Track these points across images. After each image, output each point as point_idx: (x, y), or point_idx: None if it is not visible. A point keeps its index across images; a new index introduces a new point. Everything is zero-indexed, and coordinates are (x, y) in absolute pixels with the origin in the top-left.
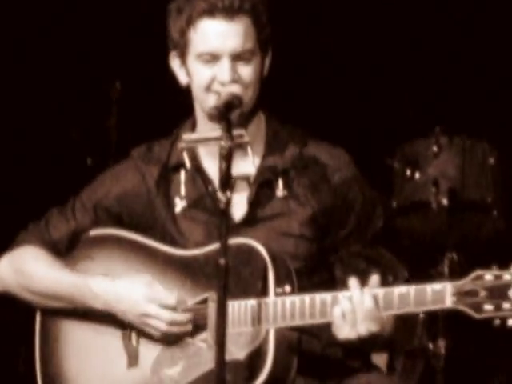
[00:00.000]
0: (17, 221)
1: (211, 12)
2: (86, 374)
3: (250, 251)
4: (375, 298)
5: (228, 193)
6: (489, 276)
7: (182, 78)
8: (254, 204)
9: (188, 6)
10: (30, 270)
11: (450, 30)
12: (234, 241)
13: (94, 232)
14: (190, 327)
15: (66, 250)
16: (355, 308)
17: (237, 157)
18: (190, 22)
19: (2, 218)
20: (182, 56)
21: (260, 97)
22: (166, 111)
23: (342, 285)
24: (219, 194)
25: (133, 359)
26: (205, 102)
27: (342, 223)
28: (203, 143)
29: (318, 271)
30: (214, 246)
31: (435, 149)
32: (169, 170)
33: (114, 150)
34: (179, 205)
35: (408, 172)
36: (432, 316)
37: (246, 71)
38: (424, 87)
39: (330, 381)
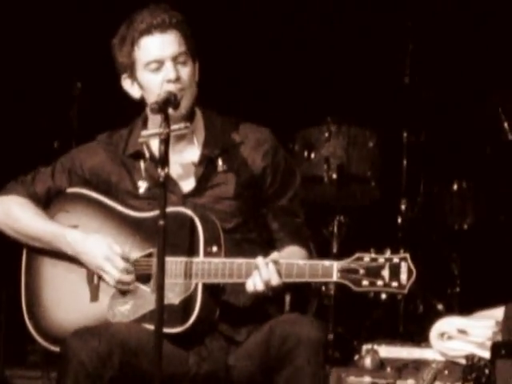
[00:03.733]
0: None
1: (149, 30)
2: (59, 303)
3: (185, 217)
4: (278, 271)
5: (166, 169)
6: (367, 258)
7: (135, 93)
8: (200, 180)
9: (129, 32)
10: (17, 215)
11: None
12: (173, 209)
13: (70, 190)
14: (132, 286)
15: (45, 202)
16: (262, 280)
17: (185, 146)
18: (133, 43)
19: None
20: (132, 74)
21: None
22: (117, 106)
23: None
24: (159, 170)
25: (94, 295)
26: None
27: (271, 182)
28: (155, 136)
29: (252, 224)
30: (157, 211)
31: (327, 134)
32: (127, 157)
33: (75, 135)
34: (142, 186)
35: (305, 153)
36: None
37: (184, 72)
38: (317, 82)
39: (250, 324)
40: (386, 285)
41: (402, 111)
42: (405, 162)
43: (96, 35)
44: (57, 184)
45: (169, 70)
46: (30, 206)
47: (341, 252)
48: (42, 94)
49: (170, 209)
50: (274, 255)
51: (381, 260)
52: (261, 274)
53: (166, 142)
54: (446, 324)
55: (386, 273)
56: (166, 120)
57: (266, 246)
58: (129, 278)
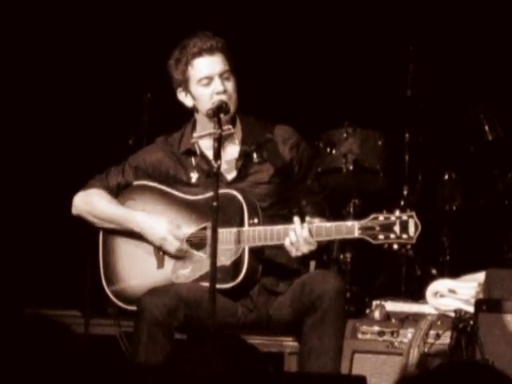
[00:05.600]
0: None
1: (200, 53)
2: (131, 272)
3: (233, 197)
4: (310, 230)
5: (218, 161)
6: (381, 217)
7: (188, 103)
8: (240, 170)
9: (183, 55)
10: (96, 202)
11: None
12: (223, 191)
13: (136, 182)
14: (190, 253)
15: (116, 193)
16: (298, 237)
17: (228, 144)
18: (187, 64)
19: (66, 183)
20: (186, 88)
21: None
22: (178, 112)
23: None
24: (213, 162)
25: (160, 263)
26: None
27: (298, 169)
28: (206, 137)
29: (283, 203)
30: (210, 194)
31: (345, 135)
32: (181, 154)
33: (145, 135)
34: (194, 177)
35: (328, 149)
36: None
37: (229, 85)
38: (338, 95)
39: (287, 280)
40: (397, 237)
41: (405, 117)
42: (407, 157)
43: (162, 54)
44: (126, 179)
45: (217, 84)
46: (105, 195)
47: None
48: (121, 102)
49: (220, 191)
50: (308, 219)
51: (392, 218)
52: (296, 231)
53: (218, 140)
54: (439, 285)
55: (397, 228)
56: (219, 123)
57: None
58: (186, 246)
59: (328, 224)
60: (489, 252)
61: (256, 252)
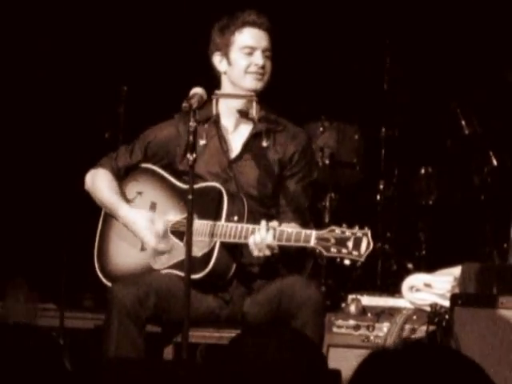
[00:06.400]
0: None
1: (253, 23)
2: (118, 250)
3: (217, 191)
4: (274, 233)
5: (194, 155)
6: (338, 231)
7: (222, 68)
8: (245, 147)
9: (234, 21)
10: (97, 185)
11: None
12: (210, 184)
13: (142, 165)
14: (169, 243)
15: (124, 174)
16: (261, 239)
17: (243, 121)
18: (236, 29)
19: (41, 176)
20: (225, 53)
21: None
22: (155, 105)
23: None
24: (188, 155)
25: (143, 246)
26: (241, 80)
27: (294, 165)
28: (228, 97)
29: (274, 200)
30: (201, 184)
31: (321, 129)
32: (199, 123)
33: (122, 128)
34: (201, 142)
35: None
36: None
37: (267, 63)
38: (315, 88)
39: (264, 278)
40: (348, 253)
41: (381, 111)
42: (383, 152)
43: (138, 47)
44: (134, 160)
45: (258, 57)
46: (107, 178)
47: (331, 221)
48: (97, 95)
49: (208, 183)
50: (274, 222)
51: (348, 233)
52: (260, 233)
53: (194, 133)
54: (415, 279)
55: (350, 243)
56: (194, 116)
57: None
58: (162, 246)
59: (290, 230)
60: (464, 246)
61: (231, 249)
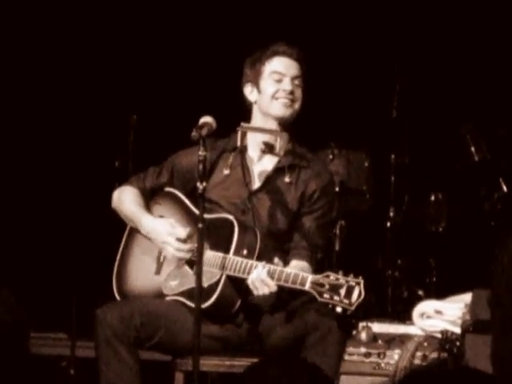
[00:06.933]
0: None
1: (283, 53)
2: (136, 271)
3: (230, 223)
4: (271, 272)
5: (204, 183)
6: (332, 277)
7: (252, 97)
8: (266, 181)
9: (264, 53)
10: (123, 199)
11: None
12: (223, 215)
13: (166, 189)
14: (189, 254)
15: (150, 194)
16: (257, 277)
17: (270, 156)
18: (266, 60)
19: (53, 204)
20: (255, 83)
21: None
22: (164, 134)
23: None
24: (198, 184)
25: (158, 269)
26: (270, 107)
27: (312, 202)
28: (253, 131)
29: (290, 236)
30: (220, 215)
31: (331, 156)
32: (225, 152)
33: (131, 156)
34: (224, 172)
35: None
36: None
37: (297, 90)
38: (325, 116)
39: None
40: (340, 301)
41: (391, 138)
42: (393, 179)
43: (148, 76)
44: (160, 182)
45: (286, 83)
46: (133, 194)
47: (342, 249)
48: (106, 124)
49: (221, 214)
50: (276, 261)
51: (342, 281)
52: (257, 269)
53: (203, 162)
54: (425, 306)
55: (342, 291)
56: (204, 145)
57: None
58: (185, 246)
59: (288, 270)
60: (475, 273)
61: (237, 283)
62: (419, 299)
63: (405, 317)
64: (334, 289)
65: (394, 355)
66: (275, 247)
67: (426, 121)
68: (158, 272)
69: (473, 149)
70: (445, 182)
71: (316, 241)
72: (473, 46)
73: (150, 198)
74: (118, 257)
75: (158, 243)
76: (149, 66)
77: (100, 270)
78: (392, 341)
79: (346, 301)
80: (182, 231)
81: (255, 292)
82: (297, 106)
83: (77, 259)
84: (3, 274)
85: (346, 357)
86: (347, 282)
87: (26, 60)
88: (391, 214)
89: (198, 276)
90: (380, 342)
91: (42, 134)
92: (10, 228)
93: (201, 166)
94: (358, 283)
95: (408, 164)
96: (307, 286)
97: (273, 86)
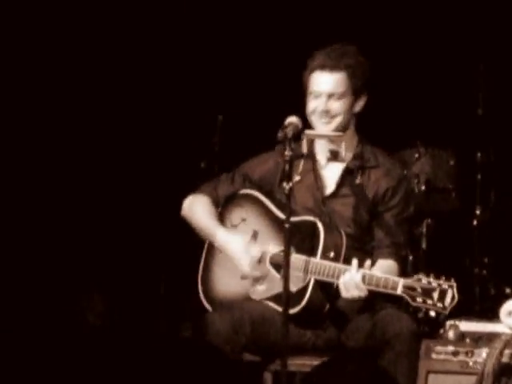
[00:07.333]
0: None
1: (321, 67)
2: (221, 278)
3: (314, 225)
4: (363, 277)
5: (290, 183)
6: (424, 280)
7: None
8: (339, 187)
9: (309, 64)
10: (194, 210)
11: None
12: (307, 218)
13: (244, 191)
14: (269, 272)
15: (224, 202)
16: (350, 280)
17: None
18: (309, 74)
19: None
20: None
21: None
22: (249, 133)
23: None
24: (284, 184)
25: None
26: (312, 122)
27: (387, 201)
28: (316, 137)
29: (369, 236)
30: (301, 217)
31: (417, 155)
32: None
33: (217, 157)
34: (295, 178)
35: None
36: None
37: (336, 105)
38: (412, 115)
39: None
40: (433, 304)
41: (477, 136)
42: (479, 177)
43: (235, 76)
44: (235, 188)
45: (321, 103)
46: (206, 204)
47: (429, 247)
48: (192, 125)
49: (304, 217)
50: (367, 263)
51: (434, 284)
52: (351, 273)
53: (290, 162)
54: None
55: (435, 295)
56: (290, 146)
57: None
58: (256, 273)
59: (379, 275)
60: None
61: (325, 286)
62: (507, 297)
63: (492, 315)
64: (427, 292)
65: (482, 353)
66: (356, 248)
67: None
68: (244, 277)
69: None
70: None
71: (398, 238)
72: None
73: (224, 204)
74: (202, 261)
75: (232, 260)
76: (235, 67)
77: (186, 270)
78: (480, 339)
79: (439, 305)
80: (254, 253)
81: (344, 293)
82: (338, 119)
83: (163, 263)
84: (95, 281)
85: (434, 355)
86: (440, 285)
87: (97, 61)
88: (477, 212)
89: (285, 279)
90: (468, 340)
91: (129, 136)
92: (104, 237)
93: (287, 166)
94: (451, 286)
95: (494, 162)
96: (399, 290)
97: (311, 103)
